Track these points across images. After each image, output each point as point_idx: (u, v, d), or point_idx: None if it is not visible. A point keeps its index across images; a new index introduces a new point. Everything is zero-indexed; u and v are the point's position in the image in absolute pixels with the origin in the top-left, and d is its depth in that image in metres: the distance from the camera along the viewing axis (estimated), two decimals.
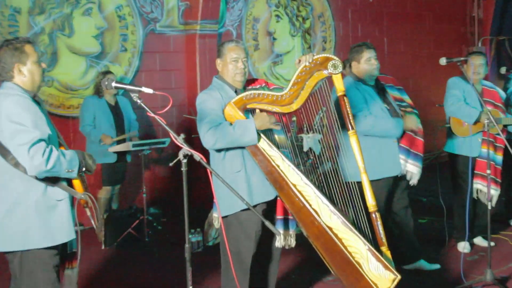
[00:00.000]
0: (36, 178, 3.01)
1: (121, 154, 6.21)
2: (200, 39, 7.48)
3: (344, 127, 3.61)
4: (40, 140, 2.95)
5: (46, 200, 3.05)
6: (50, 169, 2.95)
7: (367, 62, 4.53)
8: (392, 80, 4.78)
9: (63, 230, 3.09)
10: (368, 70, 4.52)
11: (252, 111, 3.66)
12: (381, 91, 4.62)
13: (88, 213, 3.20)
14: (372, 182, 4.30)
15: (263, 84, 3.84)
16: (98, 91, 6.18)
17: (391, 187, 4.59)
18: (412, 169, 4.52)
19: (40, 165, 2.92)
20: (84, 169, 3.13)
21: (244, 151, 3.61)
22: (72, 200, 3.19)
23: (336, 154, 3.68)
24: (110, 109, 6.20)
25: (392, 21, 10.05)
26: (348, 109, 3.54)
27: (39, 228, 3.03)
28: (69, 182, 3.16)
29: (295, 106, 3.58)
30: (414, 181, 4.60)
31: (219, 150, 3.64)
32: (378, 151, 4.42)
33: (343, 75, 3.85)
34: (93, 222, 3.21)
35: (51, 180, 3.07)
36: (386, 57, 9.68)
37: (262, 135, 3.58)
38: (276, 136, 3.70)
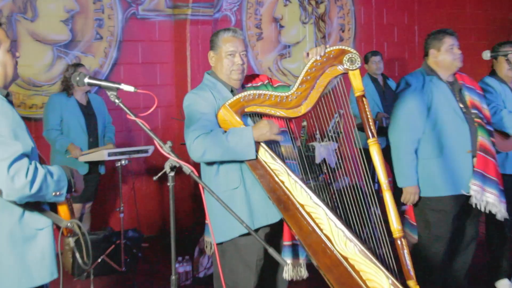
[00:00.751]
0: (13, 202, 2.82)
1: (93, 165, 6.20)
2: (191, 26, 7.45)
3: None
4: (22, 155, 2.74)
5: (23, 229, 2.86)
6: (35, 194, 2.76)
7: (449, 50, 4.57)
8: (474, 82, 4.78)
9: (43, 268, 2.91)
10: (449, 60, 4.57)
11: (252, 115, 3.67)
12: (458, 92, 4.64)
13: (72, 244, 3.09)
14: (441, 198, 4.43)
15: (266, 81, 3.83)
16: (67, 88, 6.17)
17: (462, 208, 4.56)
18: (493, 200, 4.46)
19: (22, 188, 2.71)
20: (73, 189, 2.97)
21: (242, 164, 3.63)
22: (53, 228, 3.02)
23: (355, 166, 3.67)
24: (81, 110, 6.19)
25: (424, 6, 10.03)
26: (368, 113, 3.52)
27: (13, 266, 2.84)
28: (52, 205, 3.00)
29: (303, 109, 3.58)
30: (500, 215, 4.52)
31: (212, 163, 3.65)
32: (450, 161, 4.47)
33: (362, 72, 3.81)
34: (78, 257, 3.10)
35: (32, 203, 2.88)
36: (417, 50, 9.69)
37: (263, 144, 3.59)
38: (281, 145, 3.69)
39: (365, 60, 7.79)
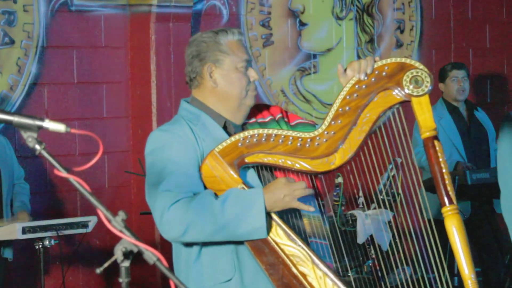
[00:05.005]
0: None
1: None
2: (158, 23, 6.67)
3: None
4: None
5: None
6: None
7: None
8: None
9: None
10: None
11: (259, 167, 3.30)
12: None
13: None
14: None
15: (278, 116, 3.46)
16: None
17: None
18: None
19: None
20: None
21: (239, 244, 3.28)
22: None
23: (422, 249, 3.33)
24: None
25: None
26: (443, 164, 3.12)
27: None
28: None
29: (339, 159, 3.21)
30: None
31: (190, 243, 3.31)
32: None
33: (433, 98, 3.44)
34: None
35: None
36: None
37: (274, 215, 3.23)
38: (303, 215, 3.37)
39: (441, 77, 6.92)
